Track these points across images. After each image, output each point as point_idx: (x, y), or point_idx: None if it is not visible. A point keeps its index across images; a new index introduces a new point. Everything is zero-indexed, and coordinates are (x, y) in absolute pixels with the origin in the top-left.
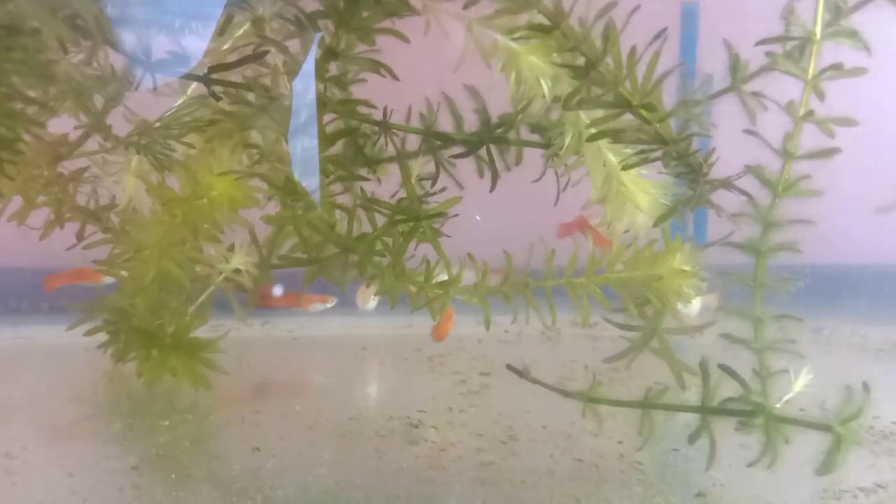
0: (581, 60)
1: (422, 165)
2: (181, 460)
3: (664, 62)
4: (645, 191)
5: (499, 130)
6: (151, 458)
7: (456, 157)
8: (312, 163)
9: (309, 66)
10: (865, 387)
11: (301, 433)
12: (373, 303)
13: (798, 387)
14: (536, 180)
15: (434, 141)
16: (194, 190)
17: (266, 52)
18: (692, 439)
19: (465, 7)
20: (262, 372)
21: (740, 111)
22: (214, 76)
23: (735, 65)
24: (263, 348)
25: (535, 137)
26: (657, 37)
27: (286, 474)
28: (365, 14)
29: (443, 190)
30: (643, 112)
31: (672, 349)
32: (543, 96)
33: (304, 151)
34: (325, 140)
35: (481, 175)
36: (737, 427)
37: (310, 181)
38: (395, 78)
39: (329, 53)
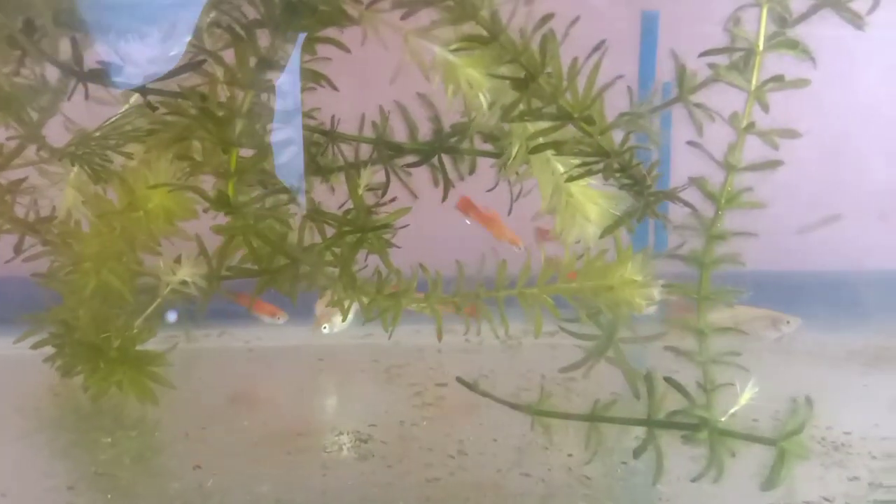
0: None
1: (371, 175)
2: (119, 479)
3: (624, 70)
4: (594, 202)
5: (452, 140)
6: (90, 477)
7: (409, 166)
8: (294, 169)
9: (293, 67)
10: (808, 401)
11: (246, 449)
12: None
13: (744, 400)
14: (490, 189)
15: (385, 150)
16: (130, 202)
17: (203, 62)
18: (637, 453)
19: (403, 18)
20: (213, 385)
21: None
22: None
23: (681, 76)
24: (218, 360)
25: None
26: (596, 49)
27: (226, 493)
28: (303, 23)
29: (393, 200)
30: (584, 124)
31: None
32: (484, 108)
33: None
34: (266, 150)
35: (436, 184)
36: (682, 440)
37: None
38: (334, 88)
39: (264, 63)
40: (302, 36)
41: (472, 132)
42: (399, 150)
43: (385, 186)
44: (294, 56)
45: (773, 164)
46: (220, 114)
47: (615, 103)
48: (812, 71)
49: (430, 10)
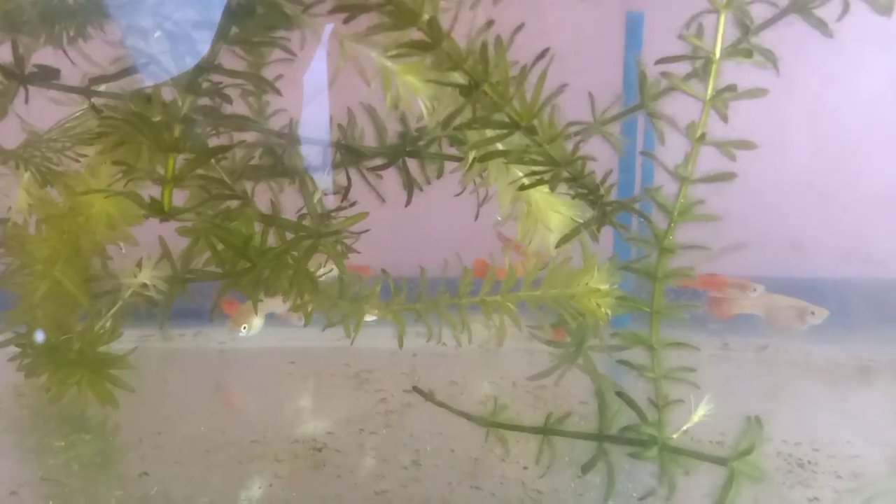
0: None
1: (328, 180)
2: (64, 486)
3: (609, 72)
4: (555, 210)
5: (417, 143)
6: (34, 483)
7: (372, 169)
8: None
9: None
10: (757, 421)
11: (197, 457)
12: (247, 330)
13: (697, 417)
14: (458, 194)
15: (345, 154)
16: (72, 206)
17: (145, 66)
18: (586, 468)
19: (346, 22)
20: (178, 387)
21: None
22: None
23: (642, 83)
24: (190, 361)
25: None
26: (540, 56)
27: (168, 503)
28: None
29: (353, 204)
30: (533, 133)
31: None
32: (424, 114)
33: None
34: (206, 154)
35: (405, 187)
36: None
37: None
38: (278, 93)
39: (203, 67)
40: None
41: (431, 137)
42: (359, 153)
43: (346, 190)
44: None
45: (727, 177)
46: (157, 118)
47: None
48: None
49: (374, 15)
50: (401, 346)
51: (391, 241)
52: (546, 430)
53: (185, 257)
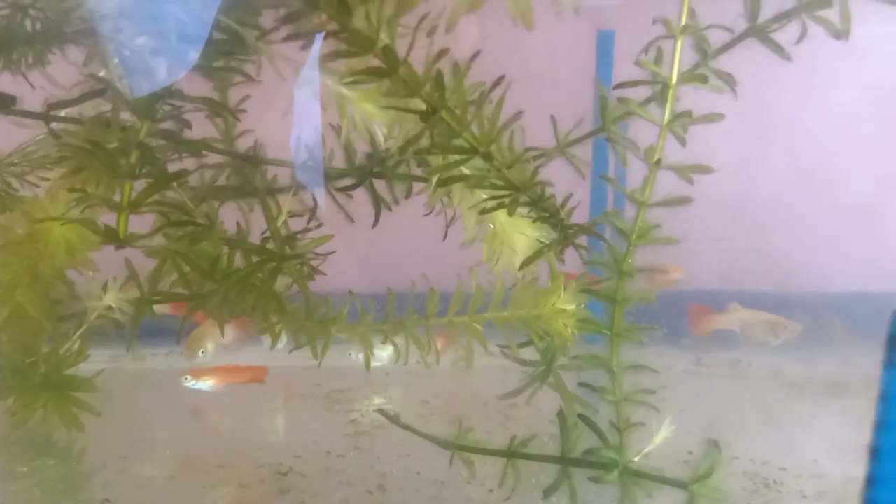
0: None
1: (294, 201)
2: None
3: (582, 91)
4: (521, 231)
5: (387, 164)
6: None
7: (342, 190)
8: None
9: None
10: (715, 445)
11: (161, 482)
12: (205, 354)
13: (659, 439)
14: (427, 214)
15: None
16: (31, 232)
17: (103, 91)
18: (548, 492)
19: (303, 48)
20: (147, 409)
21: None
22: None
23: (603, 106)
24: (160, 382)
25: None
26: (496, 84)
27: None
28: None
29: (319, 226)
30: (490, 159)
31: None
32: (380, 140)
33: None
34: (162, 181)
35: (375, 208)
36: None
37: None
38: (236, 119)
39: (158, 95)
40: None
41: (398, 159)
42: (326, 175)
43: (312, 212)
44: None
45: (684, 201)
46: (113, 144)
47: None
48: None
49: (331, 42)
50: (368, 368)
51: (382, 258)
52: (510, 453)
53: (152, 279)
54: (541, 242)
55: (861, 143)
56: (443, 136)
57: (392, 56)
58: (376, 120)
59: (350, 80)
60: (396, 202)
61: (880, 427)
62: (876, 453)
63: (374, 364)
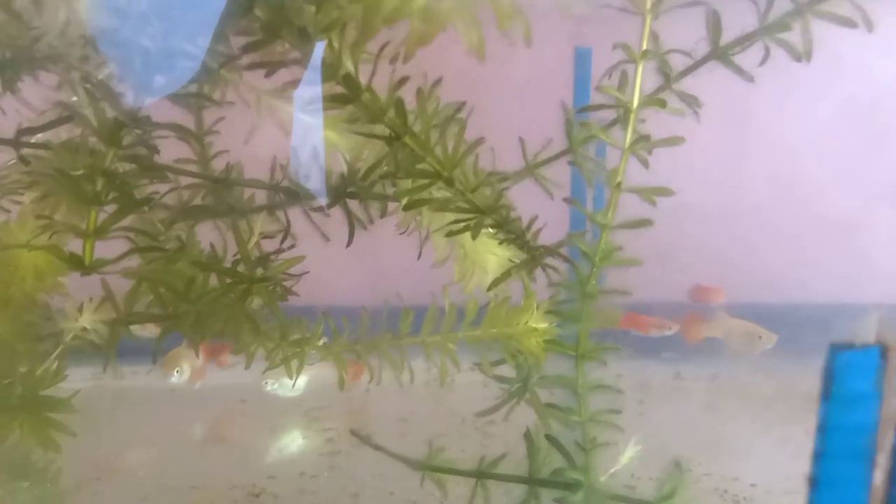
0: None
1: (265, 222)
2: None
3: (557, 108)
4: (491, 252)
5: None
6: None
7: (317, 210)
8: None
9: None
10: (678, 466)
11: None
12: (180, 374)
13: (626, 459)
14: (403, 232)
15: (281, 196)
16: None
17: (70, 118)
18: None
19: (267, 76)
20: (125, 428)
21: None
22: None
23: (569, 128)
24: (139, 400)
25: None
26: (458, 110)
27: None
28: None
29: (292, 247)
30: (454, 183)
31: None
32: (343, 167)
33: None
34: (128, 207)
35: (350, 227)
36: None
37: None
38: (200, 144)
39: (121, 122)
40: None
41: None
42: (296, 195)
43: (285, 233)
44: None
45: (645, 223)
46: (79, 171)
47: None
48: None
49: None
50: (341, 388)
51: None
52: (479, 474)
53: (129, 300)
54: (512, 262)
55: (841, 154)
56: (407, 161)
57: (354, 83)
58: (339, 147)
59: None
60: (371, 221)
61: (818, 457)
62: (814, 484)
63: (289, 394)
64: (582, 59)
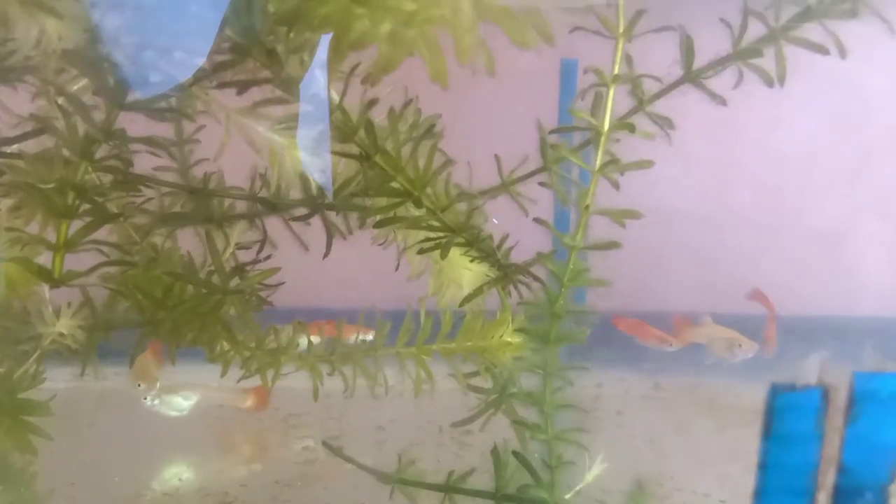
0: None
1: (242, 232)
2: None
3: (544, 120)
4: (466, 266)
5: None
6: None
7: (297, 219)
8: None
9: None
10: (640, 485)
11: None
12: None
13: (591, 477)
14: (381, 244)
15: (259, 206)
16: None
17: (43, 130)
18: None
19: (239, 93)
20: (104, 431)
21: None
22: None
23: (543, 147)
24: (121, 402)
25: None
26: (428, 130)
27: None
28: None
29: (268, 257)
30: (425, 203)
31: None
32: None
33: None
34: (98, 221)
35: (328, 237)
36: None
37: None
38: (173, 158)
39: (92, 137)
40: None
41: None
42: (273, 206)
43: (262, 243)
44: None
45: (613, 245)
46: (50, 184)
47: None
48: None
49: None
50: (315, 398)
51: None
52: (447, 488)
53: (108, 305)
54: (488, 276)
55: (829, 167)
56: (377, 179)
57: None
58: (310, 165)
59: (282, 126)
60: (350, 232)
61: (758, 494)
62: None
63: (173, 413)
64: (568, 71)
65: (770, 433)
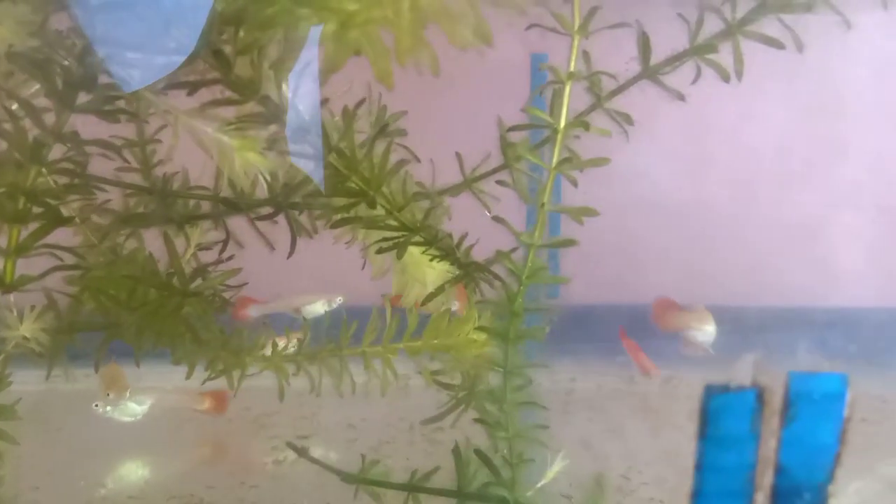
0: None
1: (203, 233)
2: None
3: (515, 117)
4: (429, 265)
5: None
6: None
7: (261, 218)
8: None
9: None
10: (598, 482)
11: None
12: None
13: (551, 474)
14: (346, 242)
15: (220, 206)
16: None
17: None
18: None
19: (190, 94)
20: (73, 434)
21: None
22: None
23: (504, 145)
24: (89, 404)
25: None
26: (382, 130)
27: None
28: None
29: (231, 258)
30: (381, 202)
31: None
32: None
33: None
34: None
35: (292, 236)
36: None
37: None
38: (126, 162)
39: (41, 142)
40: None
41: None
42: (234, 206)
43: (224, 243)
44: None
45: (569, 243)
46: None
47: None
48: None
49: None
50: (281, 399)
51: None
52: (410, 487)
53: (72, 308)
54: (452, 274)
55: (801, 159)
56: (332, 180)
57: (273, 104)
58: (261, 167)
59: (232, 127)
60: (316, 231)
61: (695, 496)
62: None
63: (126, 419)
64: (537, 66)
65: (705, 435)
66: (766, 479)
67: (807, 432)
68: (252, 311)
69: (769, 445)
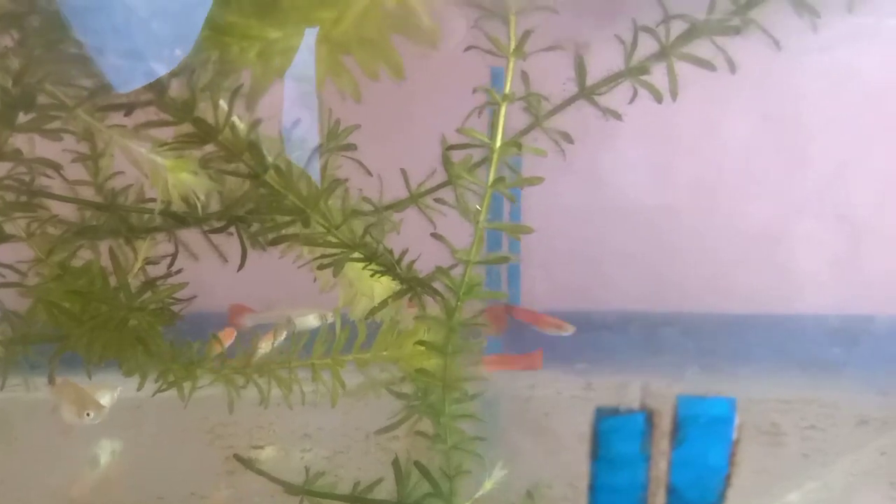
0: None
1: (151, 247)
2: None
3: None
4: (376, 280)
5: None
6: None
7: (213, 231)
8: None
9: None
10: (530, 492)
11: None
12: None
13: (489, 485)
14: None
15: (169, 221)
16: None
17: None
18: None
19: (126, 115)
20: (30, 442)
21: None
22: None
23: (446, 160)
24: (50, 416)
25: None
26: (318, 148)
27: None
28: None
29: (179, 271)
30: (319, 220)
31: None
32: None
33: None
34: None
35: (242, 249)
36: None
37: None
38: (62, 177)
39: None
40: None
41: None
42: (183, 220)
43: (173, 257)
44: None
45: (504, 259)
46: None
47: None
48: None
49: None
50: (231, 412)
51: None
52: (352, 499)
53: (27, 319)
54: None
55: (763, 168)
56: (268, 199)
57: (206, 125)
58: (194, 186)
59: (166, 147)
60: (267, 245)
61: None
62: None
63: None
64: (497, 80)
65: (597, 456)
66: (658, 499)
67: (696, 454)
68: (247, 320)
69: (660, 467)
